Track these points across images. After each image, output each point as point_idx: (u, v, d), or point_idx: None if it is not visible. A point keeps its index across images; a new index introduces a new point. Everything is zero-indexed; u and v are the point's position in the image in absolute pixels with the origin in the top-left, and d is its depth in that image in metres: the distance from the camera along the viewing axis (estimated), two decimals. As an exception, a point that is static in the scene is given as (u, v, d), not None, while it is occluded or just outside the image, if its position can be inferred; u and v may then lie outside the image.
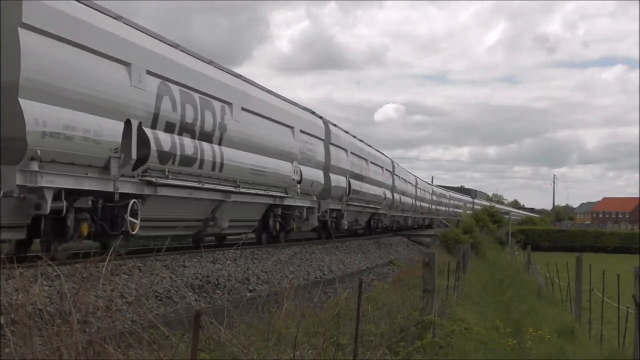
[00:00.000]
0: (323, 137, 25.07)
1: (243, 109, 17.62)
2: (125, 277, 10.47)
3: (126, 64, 12.72)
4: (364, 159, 32.13)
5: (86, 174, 11.65)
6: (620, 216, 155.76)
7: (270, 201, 19.63)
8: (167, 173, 13.93)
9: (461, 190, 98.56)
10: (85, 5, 11.89)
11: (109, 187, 12.19)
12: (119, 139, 12.31)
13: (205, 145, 15.59)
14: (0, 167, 10.03)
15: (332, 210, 26.20)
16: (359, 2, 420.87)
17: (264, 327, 6.46)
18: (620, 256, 53.27)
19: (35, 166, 10.43)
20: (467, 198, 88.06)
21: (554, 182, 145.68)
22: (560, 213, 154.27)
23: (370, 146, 35.51)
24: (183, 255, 13.93)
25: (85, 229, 11.76)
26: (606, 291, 15.58)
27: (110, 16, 12.74)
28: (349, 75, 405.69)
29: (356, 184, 29.42)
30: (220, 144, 16.33)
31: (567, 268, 19.67)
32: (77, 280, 5.90)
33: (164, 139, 13.84)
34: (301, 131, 22.24)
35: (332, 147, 26.12)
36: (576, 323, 14.85)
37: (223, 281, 12.65)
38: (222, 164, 16.22)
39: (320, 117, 25.92)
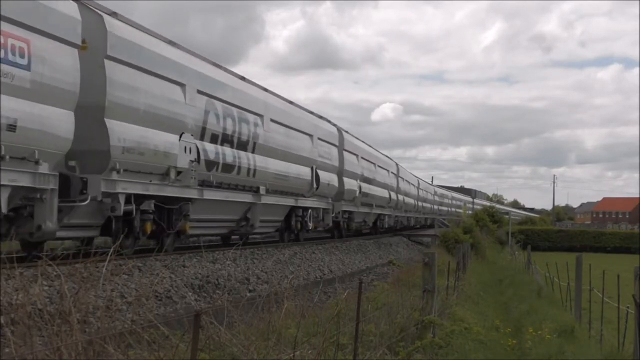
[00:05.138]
0: (337, 144, 26.83)
1: (272, 120, 19.44)
2: (125, 277, 10.48)
3: (181, 85, 14.45)
4: (373, 162, 33.69)
5: (150, 181, 13.32)
6: (620, 216, 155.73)
7: (292, 203, 21.31)
8: (211, 179, 15.61)
9: (461, 190, 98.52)
10: (150, 35, 13.93)
11: (168, 192, 13.89)
12: (177, 150, 14.03)
13: (242, 153, 17.43)
14: (88, 176, 11.47)
15: (344, 211, 27.93)
16: (355, 2, 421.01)
17: (264, 327, 6.47)
18: (620, 256, 53.33)
19: (115, 176, 12.11)
20: (467, 198, 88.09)
21: (554, 182, 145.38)
22: (560, 213, 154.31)
23: (377, 150, 37.15)
24: (183, 255, 13.94)
25: (148, 227, 13.39)
26: (606, 291, 15.58)
27: (166, 42, 14.55)
28: (347, 75, 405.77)
29: (366, 187, 30.99)
30: (253, 152, 18.16)
31: (567, 268, 19.67)
32: (77, 280, 5.89)
33: (209, 149, 15.61)
34: (319, 139, 24.07)
35: (345, 153, 27.87)
36: (576, 323, 14.85)
37: (223, 281, 12.65)
38: (255, 170, 18.04)
39: (335, 125, 27.72)
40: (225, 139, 16.54)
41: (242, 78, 18.64)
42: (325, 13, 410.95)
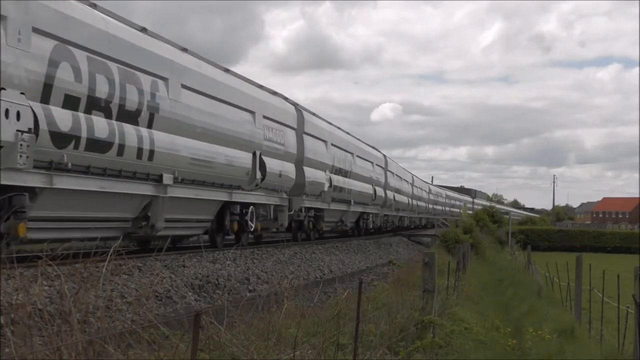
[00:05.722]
0: (295, 126, 21.87)
1: (184, 86, 14.58)
2: (125, 277, 10.47)
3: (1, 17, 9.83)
4: (350, 152, 29.05)
5: None
6: (620, 216, 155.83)
7: (224, 197, 16.68)
8: (65, 160, 11.09)
9: (461, 190, 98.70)
10: None
11: None
12: None
13: (128, 127, 12.64)
14: None
15: (309, 208, 23.52)
16: (354, 2, 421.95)
17: (264, 327, 6.47)
18: (620, 256, 53.33)
19: None
20: (466, 197, 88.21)
21: (554, 182, 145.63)
22: (560, 213, 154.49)
23: (358, 139, 32.48)
24: (183, 255, 13.94)
25: None
26: (606, 291, 15.60)
27: None
28: (346, 75, 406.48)
29: (339, 180, 26.46)
30: (150, 126, 13.35)
31: (567, 268, 19.70)
32: (77, 280, 5.89)
33: (60, 117, 10.96)
34: (265, 117, 18.93)
35: (306, 137, 22.93)
36: (576, 323, 14.87)
37: (223, 281, 12.66)
38: (152, 152, 13.24)
39: (295, 104, 22.84)
40: (95, 105, 11.76)
41: (143, 29, 13.79)
42: (324, 13, 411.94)
